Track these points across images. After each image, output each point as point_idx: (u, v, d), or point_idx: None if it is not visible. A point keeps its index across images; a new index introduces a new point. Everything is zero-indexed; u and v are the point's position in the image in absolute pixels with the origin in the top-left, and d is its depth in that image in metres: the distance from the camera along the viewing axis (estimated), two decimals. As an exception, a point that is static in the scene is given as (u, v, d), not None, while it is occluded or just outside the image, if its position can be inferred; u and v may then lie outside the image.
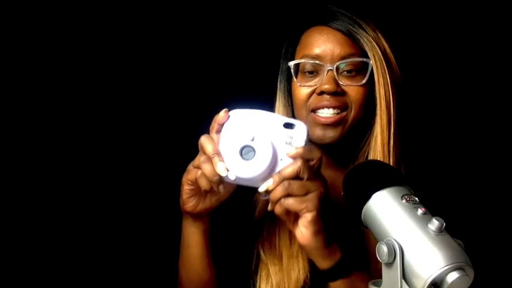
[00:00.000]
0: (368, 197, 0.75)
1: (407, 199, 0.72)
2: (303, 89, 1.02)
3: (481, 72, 1.51)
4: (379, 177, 0.77)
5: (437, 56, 1.51)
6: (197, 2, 1.54)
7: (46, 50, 1.47)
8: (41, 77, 1.47)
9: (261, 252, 1.02)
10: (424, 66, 1.49)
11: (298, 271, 0.99)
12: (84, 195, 1.50)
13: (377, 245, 0.69)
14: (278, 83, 1.09)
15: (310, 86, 1.01)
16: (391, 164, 1.00)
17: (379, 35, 1.03)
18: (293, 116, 1.06)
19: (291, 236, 1.01)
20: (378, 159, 1.01)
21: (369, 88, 1.01)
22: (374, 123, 1.02)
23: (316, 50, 1.01)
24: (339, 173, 1.06)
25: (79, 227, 1.49)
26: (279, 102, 1.08)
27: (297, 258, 1.00)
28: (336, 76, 0.99)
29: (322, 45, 1.01)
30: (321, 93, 0.99)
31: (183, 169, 1.49)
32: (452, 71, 1.52)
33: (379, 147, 1.01)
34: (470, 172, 1.50)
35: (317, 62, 1.00)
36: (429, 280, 0.64)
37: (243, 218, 1.07)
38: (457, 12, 1.49)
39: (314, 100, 1.01)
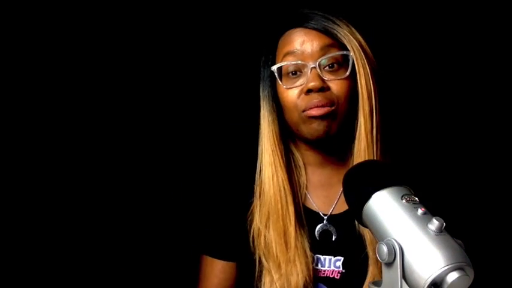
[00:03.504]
0: (368, 197, 0.75)
1: (407, 199, 0.72)
2: (290, 92, 1.02)
3: (469, 62, 1.50)
4: (379, 177, 0.77)
5: (419, 48, 1.50)
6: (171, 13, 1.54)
7: (46, 50, 1.47)
8: (41, 77, 1.47)
9: (263, 260, 1.03)
10: (408, 60, 1.49)
11: (297, 275, 1.00)
12: (84, 195, 1.50)
13: (377, 245, 0.70)
14: (261, 91, 1.09)
15: (296, 87, 1.02)
16: (377, 153, 1.01)
17: (353, 29, 1.04)
18: (281, 120, 1.06)
19: (286, 242, 1.01)
20: (363, 148, 1.01)
21: (352, 81, 1.02)
22: (357, 114, 1.03)
23: (296, 48, 1.01)
24: (335, 170, 1.08)
25: (79, 227, 1.49)
26: (264, 109, 1.08)
27: (294, 263, 1.00)
28: (320, 72, 1.00)
29: (301, 42, 1.01)
30: (308, 91, 0.99)
31: (182, 169, 1.49)
32: (438, 63, 1.51)
33: (363, 136, 1.01)
34: (470, 172, 1.50)
35: (299, 62, 1.01)
36: (429, 280, 0.64)
37: (242, 228, 1.07)
38: (444, 5, 1.49)
39: (303, 100, 1.01)
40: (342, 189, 1.06)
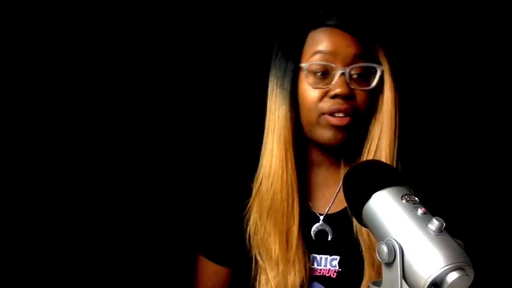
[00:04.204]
0: (368, 197, 0.74)
1: (407, 199, 0.72)
2: (314, 91, 1.00)
3: (479, 70, 1.51)
4: (379, 177, 0.76)
5: (433, 55, 1.51)
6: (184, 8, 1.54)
7: (46, 50, 1.47)
8: (41, 77, 1.47)
9: (259, 259, 1.03)
10: (420, 65, 1.49)
11: (294, 275, 1.00)
12: (83, 195, 1.50)
13: (377, 245, 0.70)
14: (277, 85, 1.05)
15: (321, 88, 1.00)
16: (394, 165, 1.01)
17: (385, 42, 1.04)
18: (297, 119, 1.04)
19: (288, 240, 1.01)
20: (383, 158, 1.02)
21: (372, 93, 1.02)
22: (374, 127, 1.04)
23: (330, 48, 0.99)
24: (332, 170, 1.08)
25: (77, 227, 1.49)
26: (278, 104, 1.03)
27: (293, 263, 1.00)
28: (347, 79, 0.99)
29: (336, 44, 0.99)
30: (335, 96, 0.99)
31: (180, 169, 1.48)
32: (449, 69, 1.52)
33: (386, 150, 1.02)
34: (470, 172, 1.50)
35: (332, 64, 0.99)
36: (429, 280, 0.64)
37: (238, 229, 1.07)
38: (449, 11, 1.50)
39: (327, 103, 0.99)
40: (337, 189, 1.07)
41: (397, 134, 1.03)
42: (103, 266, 1.49)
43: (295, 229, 1.01)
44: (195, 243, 1.15)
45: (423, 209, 0.71)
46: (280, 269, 1.00)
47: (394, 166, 1.00)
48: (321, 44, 1.00)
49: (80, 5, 1.48)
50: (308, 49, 1.02)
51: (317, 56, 1.00)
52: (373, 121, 1.04)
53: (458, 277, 0.64)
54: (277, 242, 1.01)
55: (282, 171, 1.02)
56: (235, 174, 1.12)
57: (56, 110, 1.48)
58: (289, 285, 0.99)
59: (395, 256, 0.67)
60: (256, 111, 1.08)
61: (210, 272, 1.12)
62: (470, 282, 0.66)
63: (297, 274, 1.00)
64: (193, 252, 1.15)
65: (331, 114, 0.99)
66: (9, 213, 1.43)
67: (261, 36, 1.15)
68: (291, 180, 1.02)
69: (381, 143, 1.03)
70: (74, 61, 1.49)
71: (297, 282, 0.99)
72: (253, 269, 1.04)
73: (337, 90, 0.98)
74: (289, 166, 1.02)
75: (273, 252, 1.01)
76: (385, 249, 0.68)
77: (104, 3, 1.49)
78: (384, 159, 1.01)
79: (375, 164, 0.89)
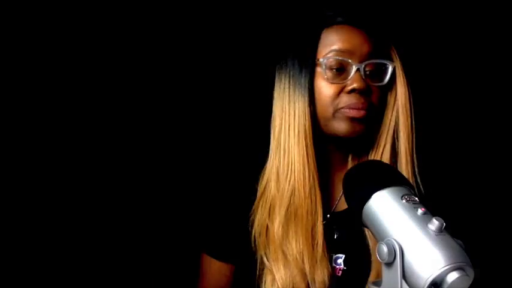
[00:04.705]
0: (368, 197, 0.75)
1: (407, 199, 0.72)
2: (331, 87, 1.01)
3: (481, 72, 1.51)
4: (379, 177, 0.77)
5: (441, 57, 1.52)
6: (195, 4, 1.54)
7: (46, 49, 1.47)
8: (41, 77, 1.47)
9: (265, 260, 1.02)
10: (431, 63, 1.50)
11: (321, 273, 1.00)
12: (85, 194, 1.50)
13: (377, 245, 0.70)
14: (291, 82, 1.04)
15: (337, 83, 1.01)
16: (412, 167, 1.03)
17: (397, 39, 1.06)
18: (314, 115, 1.04)
19: (314, 238, 1.01)
20: (403, 163, 1.02)
21: (383, 89, 1.04)
22: (386, 123, 1.05)
23: (346, 46, 1.01)
24: (339, 169, 1.08)
25: (79, 227, 1.49)
26: (296, 102, 1.03)
27: (321, 262, 1.00)
28: (363, 75, 1.00)
29: (352, 42, 1.01)
30: (352, 91, 1.00)
31: (184, 168, 1.47)
32: (454, 71, 1.52)
33: (404, 144, 1.03)
34: (470, 171, 1.50)
35: (348, 60, 1.00)
36: (429, 280, 0.64)
37: (242, 228, 1.07)
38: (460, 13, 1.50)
39: (344, 98, 1.01)
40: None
41: (413, 127, 1.04)
42: (106, 265, 1.49)
43: (320, 226, 1.01)
44: (198, 241, 1.15)
45: (423, 209, 0.71)
46: (307, 267, 0.99)
47: (414, 160, 1.03)
48: (336, 41, 1.02)
49: (80, 5, 1.48)
50: (323, 47, 1.03)
51: (333, 53, 1.02)
52: (384, 118, 1.05)
53: (458, 277, 0.64)
54: (301, 240, 1.00)
55: (304, 168, 1.02)
56: (239, 173, 1.12)
57: (56, 110, 1.48)
58: (318, 282, 0.99)
59: (396, 256, 0.67)
60: (256, 112, 1.09)
61: (214, 269, 1.12)
62: (470, 282, 0.66)
63: (325, 271, 1.00)
64: (196, 250, 1.16)
65: (348, 108, 1.00)
66: (9, 213, 1.43)
67: (261, 36, 1.15)
68: (313, 177, 1.02)
69: (398, 139, 1.04)
70: (74, 61, 1.49)
71: (326, 279, 0.99)
72: (257, 268, 1.03)
73: (354, 85, 0.99)
74: (311, 162, 1.02)
75: (295, 251, 1.00)
76: (385, 249, 0.68)
77: (104, 3, 1.49)
78: (403, 154, 1.03)
79: (375, 164, 0.89)
